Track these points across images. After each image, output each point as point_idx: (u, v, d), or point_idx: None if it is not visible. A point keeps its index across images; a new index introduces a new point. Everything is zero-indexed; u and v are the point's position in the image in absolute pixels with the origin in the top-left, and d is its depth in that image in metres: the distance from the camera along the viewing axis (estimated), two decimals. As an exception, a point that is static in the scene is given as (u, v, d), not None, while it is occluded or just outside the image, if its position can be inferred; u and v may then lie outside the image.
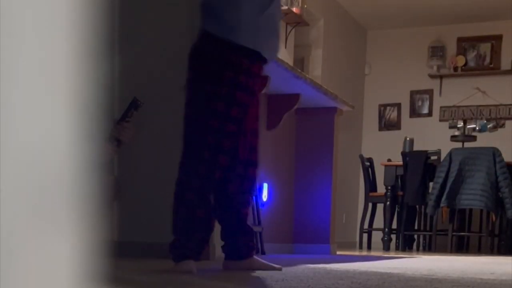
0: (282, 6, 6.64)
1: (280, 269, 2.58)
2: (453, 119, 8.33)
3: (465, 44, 8.62)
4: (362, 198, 7.64)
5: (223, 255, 2.67)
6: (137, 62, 3.38)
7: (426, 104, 8.76)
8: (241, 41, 2.20)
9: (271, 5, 2.30)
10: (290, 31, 7.26)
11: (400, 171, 7.07)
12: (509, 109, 8.43)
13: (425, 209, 6.99)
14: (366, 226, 7.44)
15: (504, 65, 8.44)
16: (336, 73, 7.92)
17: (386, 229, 7.10)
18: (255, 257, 2.67)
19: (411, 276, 2.50)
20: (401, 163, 7.05)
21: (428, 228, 7.13)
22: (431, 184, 6.85)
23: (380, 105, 8.88)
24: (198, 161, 2.39)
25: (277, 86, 4.39)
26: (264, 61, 2.38)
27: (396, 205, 7.16)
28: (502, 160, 6.51)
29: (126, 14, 3.35)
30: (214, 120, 2.35)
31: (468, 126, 7.65)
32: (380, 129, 8.87)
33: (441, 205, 6.64)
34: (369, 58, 8.93)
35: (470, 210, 7.18)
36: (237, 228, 2.59)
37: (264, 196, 4.71)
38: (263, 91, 4.22)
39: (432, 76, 8.65)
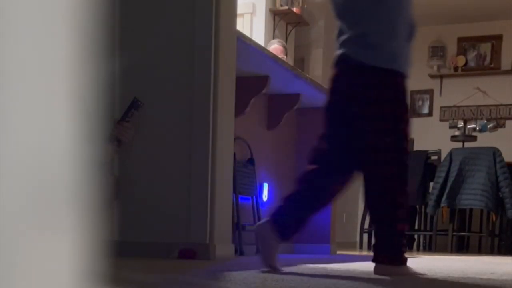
0: (288, 7, 6.72)
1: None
2: (453, 119, 8.33)
3: (465, 44, 8.62)
4: (362, 198, 7.63)
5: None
6: (138, 62, 3.38)
7: (426, 104, 8.76)
8: (397, 68, 2.50)
9: (414, 35, 2.59)
10: (290, 31, 7.26)
11: (400, 171, 7.05)
12: (509, 109, 8.43)
13: (425, 209, 6.99)
14: (366, 226, 7.44)
15: (504, 65, 8.44)
16: (336, 73, 7.91)
17: (386, 229, 7.09)
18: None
19: (411, 276, 2.50)
20: (401, 163, 7.04)
21: (428, 228, 7.13)
22: (431, 184, 6.84)
23: (380, 105, 8.87)
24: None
25: (277, 86, 4.39)
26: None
27: (396, 205, 7.14)
28: (502, 160, 6.51)
29: (127, 13, 3.35)
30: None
31: (468, 126, 7.65)
32: (380, 129, 8.86)
33: (441, 205, 6.64)
34: (369, 58, 8.91)
35: (471, 210, 7.18)
36: None
37: (264, 196, 4.71)
38: (264, 91, 4.23)
39: (432, 76, 8.65)
